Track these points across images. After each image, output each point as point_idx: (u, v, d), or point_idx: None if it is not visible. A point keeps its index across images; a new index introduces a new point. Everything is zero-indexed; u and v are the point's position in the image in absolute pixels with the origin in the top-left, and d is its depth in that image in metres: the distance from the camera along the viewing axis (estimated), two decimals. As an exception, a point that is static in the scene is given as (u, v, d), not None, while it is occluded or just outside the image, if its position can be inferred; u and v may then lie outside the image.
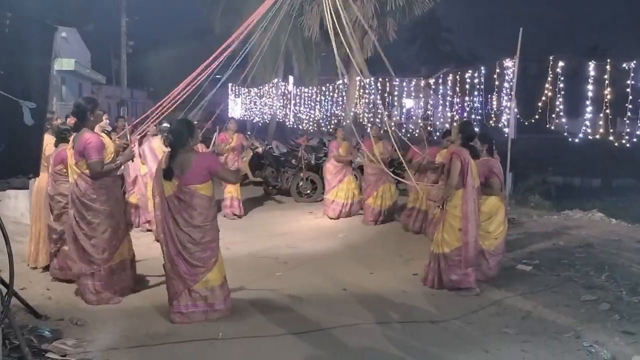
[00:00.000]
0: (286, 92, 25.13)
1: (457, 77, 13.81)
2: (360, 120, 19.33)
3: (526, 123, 11.69)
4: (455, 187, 5.84)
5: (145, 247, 7.42)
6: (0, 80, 3.30)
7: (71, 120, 5.39)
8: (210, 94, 8.52)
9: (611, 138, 9.76)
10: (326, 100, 21.95)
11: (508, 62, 11.38)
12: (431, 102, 19.02)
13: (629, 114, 9.59)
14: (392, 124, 9.53)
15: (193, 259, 4.84)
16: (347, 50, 8.56)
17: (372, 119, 18.07)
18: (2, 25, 3.35)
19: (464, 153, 5.84)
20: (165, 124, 8.21)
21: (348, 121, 18.79)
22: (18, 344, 3.82)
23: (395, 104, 19.54)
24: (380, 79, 17.73)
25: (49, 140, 5.98)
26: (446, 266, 5.93)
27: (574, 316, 5.27)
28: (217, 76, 8.62)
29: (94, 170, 5.15)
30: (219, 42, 7.60)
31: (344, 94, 19.57)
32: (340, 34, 7.54)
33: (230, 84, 25.53)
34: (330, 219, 10.15)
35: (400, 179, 8.60)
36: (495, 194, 6.29)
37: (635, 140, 9.63)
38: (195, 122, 5.65)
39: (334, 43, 7.70)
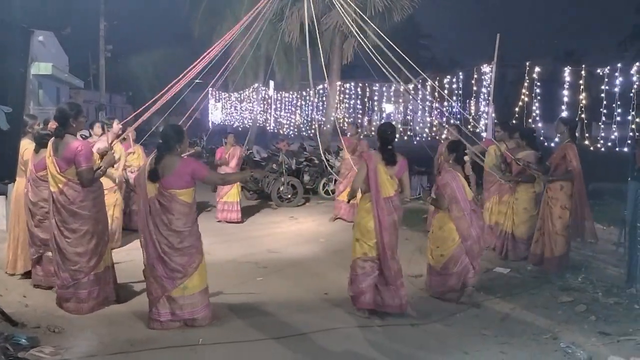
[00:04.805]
0: (267, 96, 25.10)
1: (436, 82, 13.92)
2: (341, 125, 19.42)
3: (504, 127, 11.83)
4: (361, 191, 5.44)
5: (125, 251, 7.39)
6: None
7: (52, 125, 5.30)
8: (198, 99, 8.50)
9: (587, 142, 9.94)
10: (306, 105, 21.98)
11: (486, 68, 11.53)
12: (410, 107, 19.15)
13: (603, 118, 9.77)
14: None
15: (172, 263, 4.81)
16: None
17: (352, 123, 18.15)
18: (-23, 29, 3.31)
19: (372, 159, 5.36)
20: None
21: (328, 126, 18.88)
22: (-6, 353, 3.77)
23: (375, 108, 19.65)
24: (360, 84, 17.85)
25: (27, 145, 5.88)
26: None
27: (551, 318, 5.35)
28: (198, 81, 8.60)
29: (86, 178, 5.08)
30: (198, 46, 7.62)
31: (324, 98, 19.64)
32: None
33: (210, 89, 25.36)
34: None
35: None
36: (442, 208, 5.79)
37: (610, 144, 9.81)
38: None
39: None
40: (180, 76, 6.96)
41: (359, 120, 15.92)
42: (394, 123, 8.95)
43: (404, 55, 7.05)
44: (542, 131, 10.77)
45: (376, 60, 7.50)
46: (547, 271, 6.80)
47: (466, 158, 5.74)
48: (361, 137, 11.20)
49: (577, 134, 7.34)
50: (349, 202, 5.72)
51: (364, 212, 5.40)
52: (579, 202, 6.78)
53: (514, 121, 10.64)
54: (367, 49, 7.93)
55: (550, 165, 7.00)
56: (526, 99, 10.64)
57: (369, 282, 5.35)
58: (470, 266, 5.77)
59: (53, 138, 5.24)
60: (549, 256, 6.90)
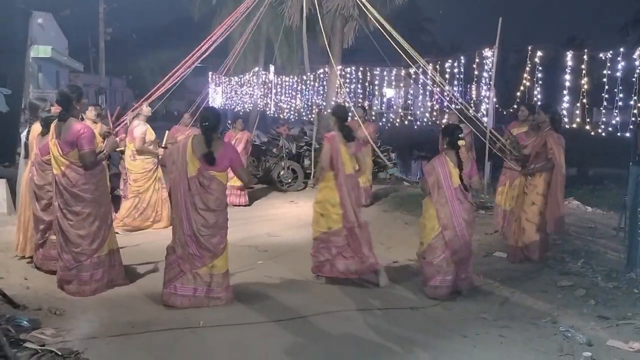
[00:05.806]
0: (267, 80, 24.99)
1: (437, 66, 13.84)
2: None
3: (504, 112, 11.81)
4: (325, 169, 5.85)
5: (129, 235, 7.42)
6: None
7: (56, 109, 5.31)
8: (208, 88, 8.47)
9: (588, 127, 9.90)
10: (307, 90, 21.86)
11: (487, 52, 11.44)
12: (411, 92, 19.06)
13: (605, 103, 9.72)
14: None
15: (205, 241, 4.93)
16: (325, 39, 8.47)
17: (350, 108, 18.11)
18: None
19: (335, 139, 5.81)
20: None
21: (329, 110, 18.80)
22: (-5, 334, 3.78)
23: (376, 93, 19.57)
24: (361, 68, 17.74)
25: (38, 129, 5.87)
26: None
27: (550, 302, 5.37)
28: (199, 65, 8.56)
29: (88, 161, 5.10)
30: (198, 28, 7.58)
31: (324, 83, 19.55)
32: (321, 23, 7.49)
33: (210, 73, 25.26)
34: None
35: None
36: (426, 193, 5.63)
37: (610, 129, 9.78)
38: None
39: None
40: (185, 60, 6.93)
41: (360, 104, 15.82)
42: (394, 107, 8.94)
43: (397, 41, 6.93)
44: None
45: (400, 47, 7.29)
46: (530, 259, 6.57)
47: (461, 143, 5.49)
48: (372, 119, 11.12)
49: (558, 119, 6.97)
50: (314, 186, 5.92)
51: (328, 190, 5.82)
52: (556, 191, 6.51)
53: (514, 106, 10.60)
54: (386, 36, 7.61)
55: (530, 154, 6.73)
56: (528, 83, 10.59)
57: (334, 253, 5.78)
58: (455, 263, 5.45)
59: (56, 121, 5.25)
60: (521, 246, 6.65)
